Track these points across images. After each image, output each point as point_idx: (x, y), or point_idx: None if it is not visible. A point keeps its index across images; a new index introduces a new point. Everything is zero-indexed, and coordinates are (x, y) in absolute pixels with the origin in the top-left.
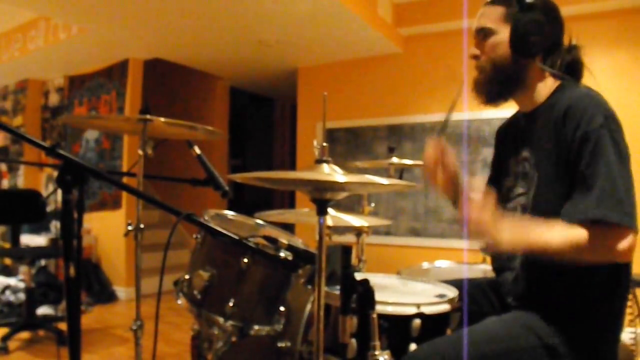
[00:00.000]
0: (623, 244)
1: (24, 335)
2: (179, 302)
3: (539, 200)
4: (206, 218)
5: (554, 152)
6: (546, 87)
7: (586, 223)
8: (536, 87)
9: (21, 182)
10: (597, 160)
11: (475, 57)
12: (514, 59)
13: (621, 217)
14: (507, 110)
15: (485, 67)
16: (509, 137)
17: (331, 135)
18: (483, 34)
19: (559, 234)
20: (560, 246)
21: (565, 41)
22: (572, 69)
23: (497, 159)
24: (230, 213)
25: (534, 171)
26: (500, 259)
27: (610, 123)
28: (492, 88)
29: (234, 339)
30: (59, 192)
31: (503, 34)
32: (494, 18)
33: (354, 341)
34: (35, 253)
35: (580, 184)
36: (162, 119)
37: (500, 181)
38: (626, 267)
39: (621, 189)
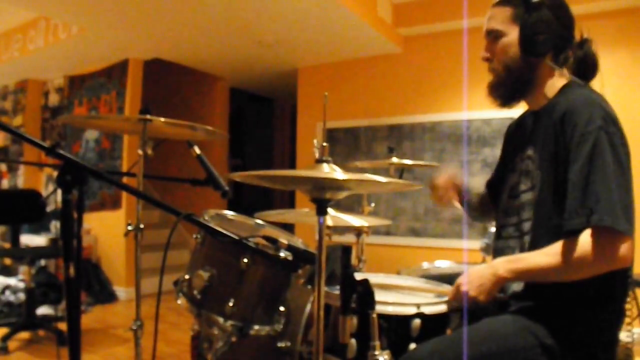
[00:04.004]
0: (619, 250)
1: (24, 335)
2: (179, 302)
3: (543, 199)
4: (206, 218)
5: (554, 154)
6: (554, 85)
7: (581, 231)
8: (545, 85)
9: (21, 182)
10: (593, 163)
11: (487, 59)
12: (524, 59)
13: (616, 222)
14: (507, 110)
15: (497, 69)
16: (517, 134)
17: (331, 135)
18: (493, 36)
19: (553, 254)
20: (557, 264)
21: (577, 36)
22: (584, 64)
23: (503, 156)
24: (230, 213)
25: (537, 171)
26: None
27: (609, 125)
28: (506, 90)
29: (234, 339)
30: (59, 192)
31: (512, 35)
32: (502, 19)
33: (354, 341)
34: (35, 253)
35: (576, 188)
36: (162, 119)
37: (505, 177)
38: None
39: (615, 194)
